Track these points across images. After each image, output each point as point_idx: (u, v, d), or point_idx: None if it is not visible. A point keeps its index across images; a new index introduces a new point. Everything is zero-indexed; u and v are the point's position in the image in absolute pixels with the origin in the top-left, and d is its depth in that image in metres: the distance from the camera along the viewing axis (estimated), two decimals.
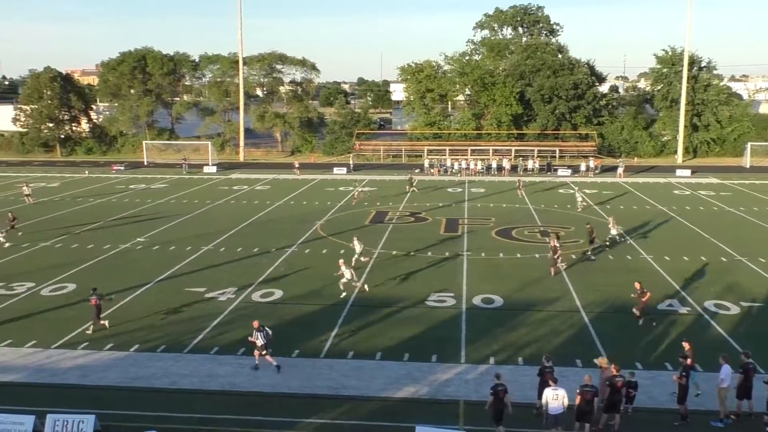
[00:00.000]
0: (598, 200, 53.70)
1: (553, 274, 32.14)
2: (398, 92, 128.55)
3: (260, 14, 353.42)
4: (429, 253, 36.40)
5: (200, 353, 22.93)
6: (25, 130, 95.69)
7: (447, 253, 36.31)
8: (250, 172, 74.63)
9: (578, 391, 17.56)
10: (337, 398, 19.66)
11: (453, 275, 32.18)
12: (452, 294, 29.20)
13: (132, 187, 63.15)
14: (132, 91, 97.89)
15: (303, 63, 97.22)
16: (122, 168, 77.14)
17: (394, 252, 36.75)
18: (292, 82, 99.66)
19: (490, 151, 79.79)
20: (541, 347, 22.86)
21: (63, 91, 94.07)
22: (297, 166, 74.00)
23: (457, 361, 22.21)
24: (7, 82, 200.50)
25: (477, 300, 28.42)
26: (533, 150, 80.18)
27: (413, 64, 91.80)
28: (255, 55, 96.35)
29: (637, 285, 25.95)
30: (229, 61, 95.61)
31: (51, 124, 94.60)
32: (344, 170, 73.10)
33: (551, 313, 26.81)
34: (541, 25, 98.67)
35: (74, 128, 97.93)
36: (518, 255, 36.09)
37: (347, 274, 28.99)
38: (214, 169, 75.71)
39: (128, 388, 20.36)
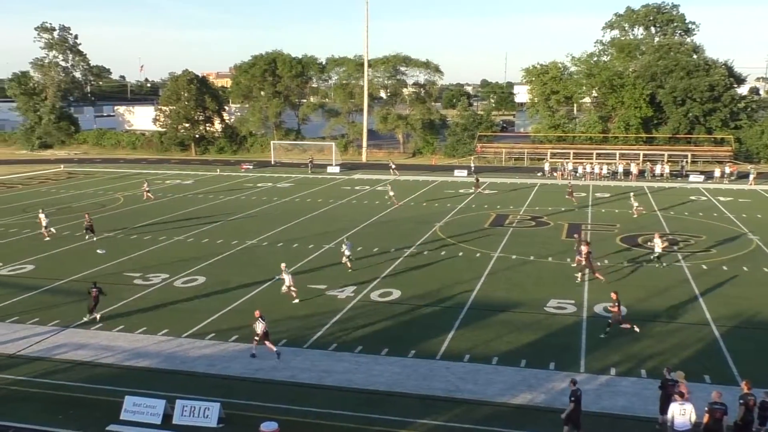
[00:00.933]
0: (734, 209, 50.75)
1: (579, 279, 31.20)
2: (522, 94, 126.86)
3: (386, 17, 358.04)
4: (549, 259, 35.67)
5: (319, 349, 23.49)
6: (164, 129, 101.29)
7: (568, 259, 35.45)
8: (371, 172, 75.71)
9: (707, 408, 16.68)
10: (452, 400, 19.62)
11: (574, 282, 31.37)
12: (572, 301, 28.48)
13: (259, 185, 65.51)
14: (262, 93, 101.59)
15: (426, 65, 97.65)
16: (251, 167, 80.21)
17: (514, 256, 36.26)
18: (416, 84, 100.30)
19: (617, 155, 77.19)
20: (665, 360, 21.89)
21: (199, 93, 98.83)
22: (393, 166, 74.05)
23: (576, 370, 21.64)
24: (149, 85, 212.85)
25: (599, 308, 27.58)
26: (663, 154, 76.89)
27: (538, 66, 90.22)
28: (380, 58, 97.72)
29: (613, 295, 25.20)
30: (355, 64, 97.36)
31: (187, 125, 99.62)
32: (465, 172, 72.82)
33: (678, 325, 25.62)
34: (675, 24, 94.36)
35: (208, 128, 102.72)
36: (644, 263, 34.74)
37: (287, 279, 28.43)
38: (337, 169, 77.35)
39: (251, 379, 21.15)
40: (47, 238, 40.68)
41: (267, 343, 22.77)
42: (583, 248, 31.86)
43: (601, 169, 70.69)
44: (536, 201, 54.99)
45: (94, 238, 40.03)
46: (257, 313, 23.09)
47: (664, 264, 33.81)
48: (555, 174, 70.75)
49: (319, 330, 25.26)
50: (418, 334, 24.89)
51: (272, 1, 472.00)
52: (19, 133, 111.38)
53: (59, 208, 51.64)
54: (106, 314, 26.98)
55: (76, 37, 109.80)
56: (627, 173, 69.69)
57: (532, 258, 35.84)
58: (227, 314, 27.14)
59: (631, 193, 55.31)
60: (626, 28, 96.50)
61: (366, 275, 32.51)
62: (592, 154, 78.47)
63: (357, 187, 63.63)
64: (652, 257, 34.38)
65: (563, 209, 50.84)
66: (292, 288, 28.70)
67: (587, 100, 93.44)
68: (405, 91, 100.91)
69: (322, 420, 18.56)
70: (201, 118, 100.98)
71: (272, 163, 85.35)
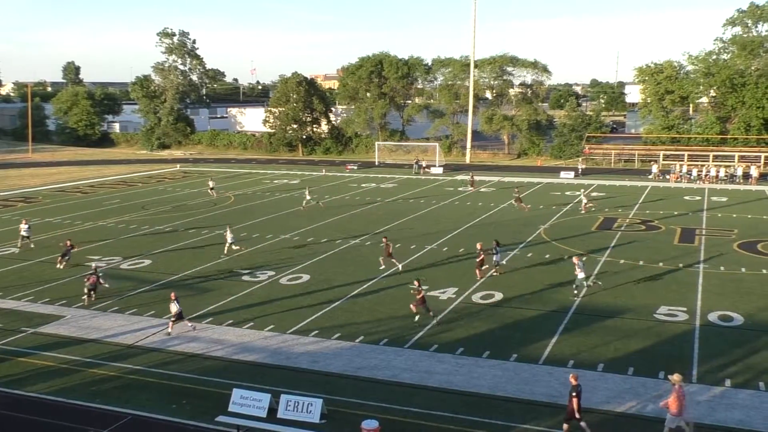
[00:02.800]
0: None
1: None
2: (634, 94, 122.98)
3: (493, 17, 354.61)
4: (660, 264, 34.39)
5: (420, 349, 23.56)
6: (273, 131, 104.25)
7: (681, 265, 34.09)
8: (475, 174, 75.15)
9: None
10: (555, 406, 19.26)
11: (686, 288, 30.14)
12: (684, 308, 27.36)
13: (363, 185, 66.36)
14: (368, 94, 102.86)
15: (534, 65, 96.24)
16: (355, 167, 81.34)
17: (622, 261, 35.19)
18: (522, 84, 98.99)
19: (736, 158, 73.49)
20: None
21: (307, 95, 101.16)
22: (423, 165, 75.80)
23: (687, 380, 20.77)
24: (260, 87, 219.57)
25: (713, 317, 26.37)
26: None
27: (652, 65, 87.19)
28: (486, 58, 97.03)
29: (416, 282, 26.39)
30: (461, 65, 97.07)
31: (295, 126, 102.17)
32: (571, 174, 71.21)
33: None
34: None
35: (315, 129, 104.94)
36: (764, 271, 32.94)
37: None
38: (440, 170, 77.29)
39: (353, 377, 21.47)
40: (17, 249, 38.98)
41: (184, 321, 25.27)
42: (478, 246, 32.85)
43: (718, 172, 67.52)
44: (647, 204, 53.12)
45: (61, 266, 34.57)
46: (172, 296, 25.37)
47: (599, 282, 30.76)
48: (668, 177, 68.12)
49: (420, 330, 25.35)
50: (521, 337, 24.57)
51: (380, 4, 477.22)
52: (140, 133, 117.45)
53: (174, 206, 54.04)
54: (215, 309, 28.09)
55: (194, 41, 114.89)
56: (747, 176, 66.26)
57: (641, 263, 34.67)
58: (330, 312, 27.66)
59: (582, 190, 56.58)
60: (749, 25, 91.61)
61: (468, 277, 32.35)
62: (708, 156, 75.03)
63: (460, 189, 63.38)
64: (575, 285, 29.43)
65: (675, 213, 48.90)
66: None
67: (704, 100, 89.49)
68: (511, 91, 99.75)
69: (422, 420, 18.62)
70: (308, 119, 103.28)
71: (376, 163, 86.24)
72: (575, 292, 29.22)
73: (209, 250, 38.69)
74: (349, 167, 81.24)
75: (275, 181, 70.22)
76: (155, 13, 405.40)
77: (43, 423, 18.79)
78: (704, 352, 22.88)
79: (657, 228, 43.86)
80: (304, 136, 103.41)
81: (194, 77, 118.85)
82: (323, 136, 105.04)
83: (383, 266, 34.05)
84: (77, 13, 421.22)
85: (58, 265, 34.59)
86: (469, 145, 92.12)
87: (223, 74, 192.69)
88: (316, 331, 25.45)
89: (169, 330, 25.26)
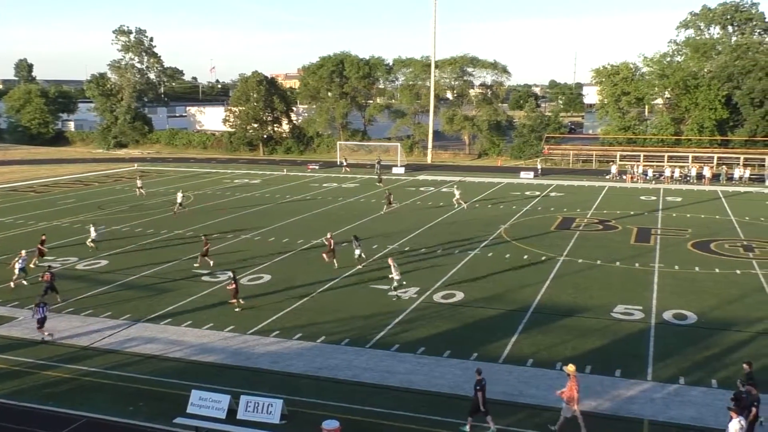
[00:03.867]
0: None
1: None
2: (591, 95, 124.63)
3: (453, 18, 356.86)
4: (617, 263, 34.93)
5: (381, 349, 23.56)
6: (233, 130, 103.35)
7: (637, 264, 34.66)
8: (437, 174, 75.56)
9: None
10: (514, 405, 19.41)
11: (642, 287, 30.65)
12: (640, 307, 27.81)
13: (325, 185, 66.15)
14: (329, 93, 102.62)
15: (494, 66, 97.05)
16: (317, 167, 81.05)
17: (580, 260, 35.64)
18: (483, 85, 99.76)
19: (690, 158, 75.02)
20: (739, 370, 21.10)
21: (268, 94, 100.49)
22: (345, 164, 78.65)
23: (642, 378, 21.13)
24: (220, 86, 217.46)
25: (668, 315, 26.85)
26: (739, 158, 74.33)
27: (609, 66, 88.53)
28: (446, 59, 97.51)
29: (230, 273, 28.38)
30: (422, 65, 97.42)
31: (256, 125, 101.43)
32: (531, 174, 71.94)
33: (753, 334, 24.74)
34: (754, 22, 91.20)
35: (276, 129, 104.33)
36: (717, 270, 33.67)
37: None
38: (402, 170, 77.45)
39: (314, 377, 21.36)
40: None
41: (44, 328, 24.78)
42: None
43: (673, 173, 68.85)
44: (604, 204, 53.92)
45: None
46: (39, 299, 25.51)
47: (396, 293, 29.67)
48: (624, 177, 69.25)
49: (381, 330, 25.34)
50: (481, 336, 24.71)
51: (340, 4, 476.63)
52: (96, 132, 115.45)
53: (132, 206, 53.21)
54: (175, 310, 27.71)
55: (151, 39, 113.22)
56: (700, 177, 67.69)
57: (599, 262, 35.16)
58: (291, 312, 27.50)
59: (455, 185, 57.84)
60: (702, 28, 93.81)
61: (429, 277, 32.46)
62: (663, 156, 76.46)
63: (422, 188, 63.59)
64: (392, 287, 29.68)
65: (632, 213, 49.71)
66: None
67: (659, 101, 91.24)
68: (472, 92, 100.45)
69: (383, 420, 18.61)
70: (269, 118, 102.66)
71: (338, 163, 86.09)
72: (393, 292, 29.41)
73: (168, 250, 38.18)
74: (310, 167, 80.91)
75: (236, 181, 69.61)
76: (111, 10, 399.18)
77: None
78: (659, 350, 23.28)
79: (614, 228, 44.54)
80: (265, 136, 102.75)
81: (152, 75, 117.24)
82: (284, 135, 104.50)
83: (334, 265, 34.20)
84: (30, 9, 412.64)
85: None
86: (430, 145, 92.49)
87: (181, 73, 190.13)
88: (278, 332, 25.27)
89: (44, 336, 24.60)
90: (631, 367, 21.93)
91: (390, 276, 29.47)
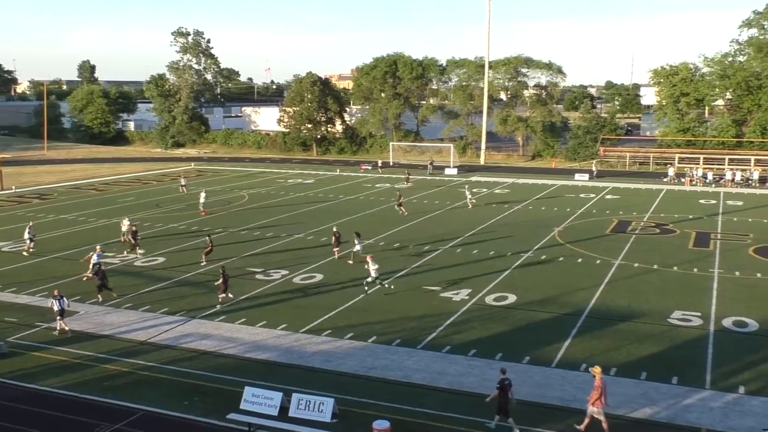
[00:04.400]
0: None
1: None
2: (649, 96, 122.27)
3: (508, 18, 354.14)
4: (675, 268, 34.16)
5: (432, 350, 23.52)
6: (287, 130, 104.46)
7: (695, 269, 33.84)
8: (489, 175, 75.07)
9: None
10: (567, 410, 19.16)
11: (701, 293, 29.92)
12: (699, 313, 27.14)
13: (378, 186, 66.33)
14: (383, 94, 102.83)
15: (549, 66, 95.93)
16: (369, 167, 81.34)
17: (636, 264, 34.97)
18: (537, 85, 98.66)
19: (752, 161, 72.90)
20: None
21: (321, 95, 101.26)
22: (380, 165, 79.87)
23: (700, 385, 20.63)
24: (275, 87, 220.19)
25: (727, 322, 26.14)
26: None
27: (667, 67, 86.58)
28: (501, 59, 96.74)
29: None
30: (475, 65, 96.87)
31: (309, 125, 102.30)
32: (586, 176, 70.88)
33: None
34: None
35: (329, 129, 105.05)
36: None
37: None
38: (455, 171, 77.18)
39: (365, 377, 21.45)
40: (26, 253, 37.72)
41: (61, 322, 25.06)
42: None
43: (734, 176, 67.01)
44: (661, 208, 52.80)
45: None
46: (56, 292, 25.44)
47: (368, 290, 29.95)
48: (683, 180, 67.69)
49: (433, 331, 25.30)
50: (534, 340, 24.47)
51: (395, 4, 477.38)
52: (154, 132, 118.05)
53: (188, 204, 54.22)
54: (229, 307, 28.14)
55: (208, 41, 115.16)
56: (763, 180, 65.72)
57: (655, 267, 34.45)
58: (343, 312, 27.66)
59: (466, 186, 58.72)
60: (765, 27, 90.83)
61: (481, 279, 32.27)
62: (724, 159, 74.48)
63: (474, 190, 63.23)
64: (365, 282, 30.09)
65: (691, 217, 48.56)
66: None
67: (720, 102, 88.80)
68: (526, 92, 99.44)
69: (433, 421, 18.58)
70: (323, 119, 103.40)
71: (391, 164, 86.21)
72: (366, 288, 29.88)
73: (222, 248, 38.76)
74: (363, 167, 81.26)
75: (289, 181, 70.33)
76: (170, 13, 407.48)
77: (56, 417, 18.90)
78: (718, 358, 22.69)
79: (672, 231, 43.57)
80: (319, 136, 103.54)
81: (209, 76, 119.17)
82: (338, 136, 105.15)
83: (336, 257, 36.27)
84: (93, 12, 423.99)
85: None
86: (483, 146, 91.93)
87: (237, 73, 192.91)
88: (329, 331, 25.45)
89: (62, 328, 25.17)
90: (689, 374, 21.43)
91: (367, 267, 30.14)
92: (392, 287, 30.61)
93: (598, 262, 35.56)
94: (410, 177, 67.98)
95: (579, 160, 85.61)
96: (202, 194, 52.04)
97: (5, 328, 25.76)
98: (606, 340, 24.36)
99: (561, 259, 36.32)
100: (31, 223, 39.66)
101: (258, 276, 33.00)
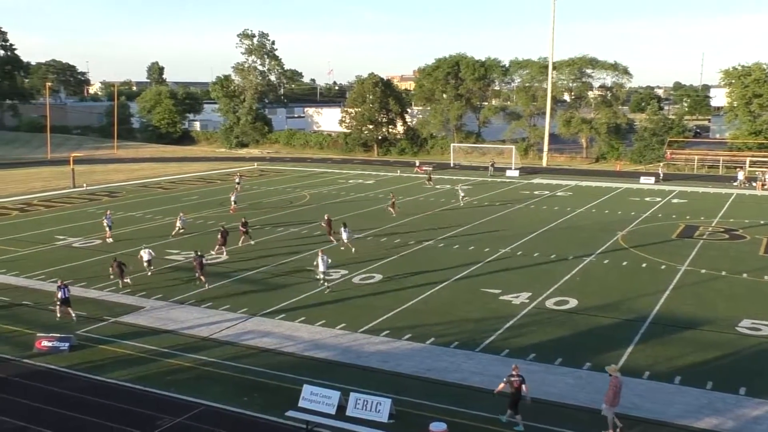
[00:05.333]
0: None
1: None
2: (719, 97, 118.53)
3: (572, 18, 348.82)
4: (744, 275, 33.07)
5: (491, 353, 23.34)
6: (349, 131, 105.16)
7: (766, 277, 32.69)
8: (552, 177, 74.06)
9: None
10: (628, 418, 18.73)
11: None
12: None
13: (438, 187, 66.17)
14: (444, 95, 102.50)
15: (614, 67, 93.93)
16: (430, 168, 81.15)
17: (703, 270, 33.99)
18: (602, 86, 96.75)
19: None
20: None
21: (383, 96, 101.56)
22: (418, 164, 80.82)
23: None
24: (337, 88, 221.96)
25: None
26: None
27: (739, 67, 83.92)
28: (565, 60, 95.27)
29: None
30: (539, 66, 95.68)
31: (371, 126, 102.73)
32: (652, 180, 69.22)
33: None
34: None
35: (390, 130, 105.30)
36: None
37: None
38: (516, 173, 76.41)
39: (422, 379, 21.42)
40: (110, 240, 40.86)
41: (69, 309, 26.84)
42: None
43: None
44: (731, 212, 51.20)
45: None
46: (59, 282, 27.29)
47: (327, 286, 30.94)
48: (754, 184, 65.46)
49: (491, 334, 25.11)
50: (595, 345, 24.04)
51: (458, 5, 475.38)
52: (219, 132, 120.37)
53: (251, 203, 55.11)
54: (289, 306, 28.48)
55: (273, 42, 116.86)
56: None
57: (724, 273, 33.41)
58: (402, 312, 27.68)
59: (459, 185, 61.43)
60: None
61: (542, 282, 31.86)
62: None
63: (536, 192, 62.49)
64: (317, 277, 31.63)
65: (762, 222, 46.93)
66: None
67: None
68: (590, 94, 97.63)
69: (490, 425, 18.44)
70: (384, 120, 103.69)
71: (451, 165, 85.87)
72: (320, 282, 31.23)
73: (284, 247, 39.27)
74: (423, 168, 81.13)
75: (350, 181, 70.77)
76: (236, 15, 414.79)
77: (121, 409, 19.44)
78: None
79: (741, 237, 42.20)
80: (380, 137, 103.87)
81: (273, 77, 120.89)
82: (399, 136, 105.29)
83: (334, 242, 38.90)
84: (163, 15, 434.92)
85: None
86: (546, 148, 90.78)
87: (300, 75, 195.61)
88: (387, 331, 25.50)
89: (67, 313, 26.92)
90: (758, 385, 20.70)
91: (314, 264, 32.03)
92: (330, 290, 30.69)
93: (663, 267, 34.71)
94: (432, 177, 67.93)
95: (645, 163, 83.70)
96: (235, 190, 54.94)
97: (76, 322, 26.65)
98: (670, 348, 23.75)
99: (624, 263, 35.57)
100: (108, 212, 42.99)
101: (318, 275, 33.24)
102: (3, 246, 39.88)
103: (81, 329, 25.71)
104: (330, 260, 32.13)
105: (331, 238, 39.85)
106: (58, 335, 24.24)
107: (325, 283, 31.08)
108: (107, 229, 41.31)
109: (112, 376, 21.65)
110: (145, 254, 33.64)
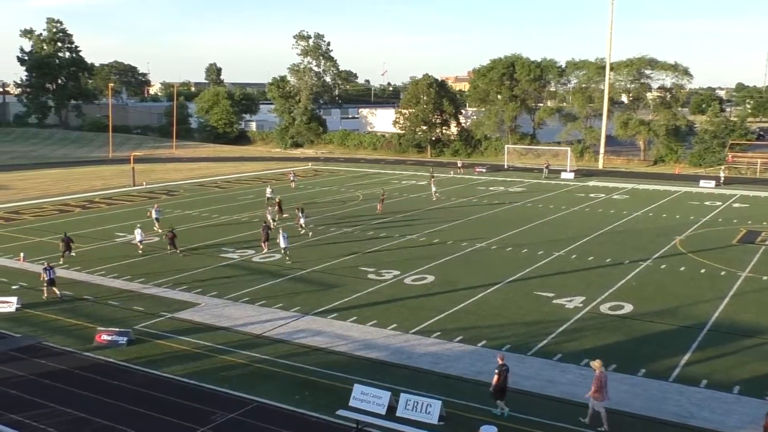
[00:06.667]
0: None
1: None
2: None
3: (631, 18, 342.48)
4: None
5: (543, 357, 23.10)
6: (403, 131, 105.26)
7: None
8: (608, 180, 72.84)
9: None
10: (684, 427, 18.34)
11: None
12: None
13: (491, 188, 65.75)
14: (499, 96, 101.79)
15: (674, 68, 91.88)
16: (484, 170, 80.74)
17: (765, 277, 33.00)
18: (661, 87, 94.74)
19: None
20: None
21: (437, 97, 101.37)
22: (460, 165, 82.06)
23: None
24: (391, 89, 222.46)
25: None
26: None
27: None
28: (623, 60, 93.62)
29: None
30: (596, 67, 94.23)
31: (424, 127, 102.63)
32: (712, 183, 67.50)
33: None
34: None
35: (444, 131, 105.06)
36: None
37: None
38: (571, 175, 75.41)
39: (473, 381, 21.31)
40: (158, 229, 43.50)
41: (54, 288, 29.32)
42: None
43: None
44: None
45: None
46: (46, 264, 29.93)
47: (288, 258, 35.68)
48: None
49: (544, 338, 24.85)
50: (650, 352, 23.57)
51: (513, 5, 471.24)
52: (275, 132, 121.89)
53: (305, 203, 55.63)
54: (341, 305, 28.68)
55: (328, 44, 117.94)
56: None
57: None
58: (453, 314, 27.60)
59: (432, 179, 63.53)
60: None
61: (596, 286, 31.38)
62: None
63: (591, 195, 61.56)
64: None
65: None
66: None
67: None
68: (649, 95, 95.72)
69: (542, 430, 18.25)
70: (438, 121, 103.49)
71: (505, 167, 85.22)
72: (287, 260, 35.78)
73: (335, 247, 39.54)
74: (477, 170, 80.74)
75: (403, 182, 70.84)
76: (292, 16, 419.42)
77: (176, 403, 19.86)
78: None
79: None
80: (433, 138, 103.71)
81: (328, 78, 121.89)
82: (452, 138, 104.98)
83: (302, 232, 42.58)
84: (220, 17, 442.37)
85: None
86: (602, 150, 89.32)
87: (355, 76, 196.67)
88: (439, 333, 25.46)
89: (53, 294, 29.36)
90: None
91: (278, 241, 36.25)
92: (289, 261, 35.73)
93: (722, 273, 33.83)
94: (435, 176, 67.13)
95: (705, 166, 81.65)
96: (268, 189, 56.71)
97: (133, 317, 27.35)
98: (729, 356, 23.15)
99: (682, 269, 34.78)
100: (157, 206, 46.79)
101: (370, 276, 33.43)
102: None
103: (139, 324, 26.35)
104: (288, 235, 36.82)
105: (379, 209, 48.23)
106: (117, 329, 24.91)
107: (287, 257, 36.00)
108: (155, 222, 43.75)
109: (168, 370, 22.13)
110: (138, 235, 38.00)
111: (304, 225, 43.14)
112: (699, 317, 27.08)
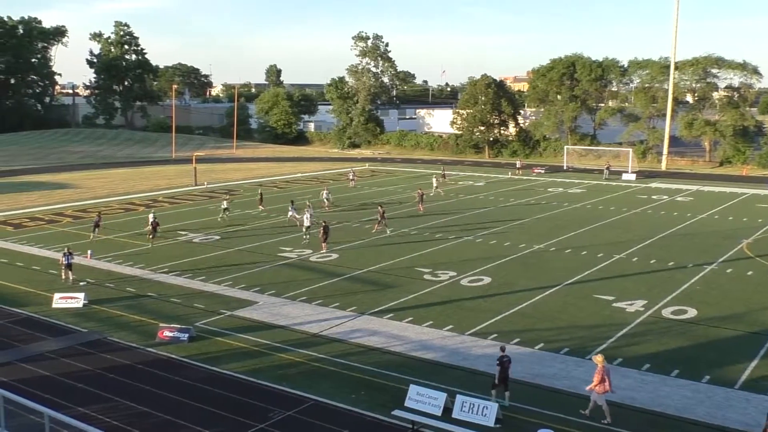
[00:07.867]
0: None
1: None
2: None
3: (697, 15, 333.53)
4: None
5: None
6: (460, 132, 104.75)
7: None
8: (671, 181, 71.13)
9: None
10: None
11: None
12: None
13: (550, 190, 64.92)
14: (558, 96, 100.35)
15: (743, 66, 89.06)
16: (542, 171, 79.77)
17: None
18: (729, 87, 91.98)
19: None
20: None
21: (495, 97, 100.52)
22: (518, 166, 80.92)
23: None
24: (449, 89, 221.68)
25: None
26: None
27: None
28: (688, 59, 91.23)
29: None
30: (660, 66, 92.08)
31: (482, 128, 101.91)
32: None
33: None
34: None
35: (502, 132, 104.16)
36: None
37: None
38: (633, 176, 73.87)
39: (530, 384, 21.08)
40: (225, 217, 47.53)
41: (70, 272, 31.75)
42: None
43: None
44: None
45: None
46: (67, 249, 32.34)
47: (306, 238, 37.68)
48: None
49: (603, 342, 24.41)
50: (716, 358, 22.92)
51: (574, 4, 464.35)
52: (333, 133, 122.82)
53: (362, 203, 55.89)
54: (397, 306, 28.70)
55: (386, 44, 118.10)
56: None
57: None
58: (510, 316, 27.35)
59: (434, 176, 63.72)
60: None
61: (658, 290, 30.67)
62: None
63: (654, 197, 60.20)
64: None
65: None
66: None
67: None
68: (715, 95, 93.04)
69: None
70: (496, 121, 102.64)
71: (564, 168, 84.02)
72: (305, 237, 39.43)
73: (392, 247, 39.60)
74: (536, 170, 79.84)
75: (460, 183, 70.51)
76: (351, 17, 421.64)
77: (235, 399, 20.18)
78: None
79: None
80: (491, 138, 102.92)
81: (386, 79, 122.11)
82: (510, 138, 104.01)
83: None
84: (281, 19, 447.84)
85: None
86: (665, 151, 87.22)
87: (413, 76, 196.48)
88: (495, 335, 25.26)
89: (67, 277, 31.81)
90: None
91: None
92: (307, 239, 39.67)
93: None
94: (446, 175, 66.99)
95: None
96: (324, 192, 56.16)
97: (194, 314, 27.90)
98: None
99: (749, 273, 33.72)
100: (226, 198, 51.16)
101: (426, 276, 33.38)
102: (130, 240, 42.21)
103: (199, 321, 26.87)
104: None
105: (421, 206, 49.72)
106: (179, 326, 25.45)
107: (306, 236, 39.53)
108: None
109: (227, 367, 22.50)
110: (151, 217, 42.00)
111: (290, 216, 45.60)
112: (766, 323, 26.20)
